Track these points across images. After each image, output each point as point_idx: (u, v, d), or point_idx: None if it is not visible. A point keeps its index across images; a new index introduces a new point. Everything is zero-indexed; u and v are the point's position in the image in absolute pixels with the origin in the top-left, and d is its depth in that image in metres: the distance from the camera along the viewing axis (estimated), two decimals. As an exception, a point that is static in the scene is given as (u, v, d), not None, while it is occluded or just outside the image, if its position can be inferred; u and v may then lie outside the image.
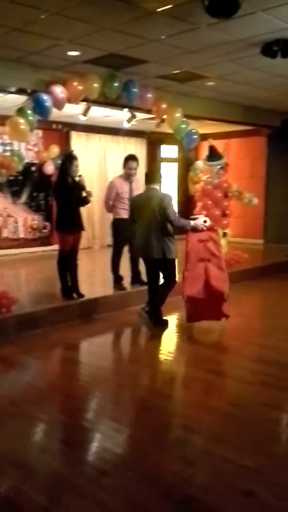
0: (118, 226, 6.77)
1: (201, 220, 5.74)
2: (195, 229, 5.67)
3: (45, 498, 2.69)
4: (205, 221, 5.74)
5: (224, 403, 3.87)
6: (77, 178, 6.10)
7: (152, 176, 5.79)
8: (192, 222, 5.69)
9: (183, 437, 3.35)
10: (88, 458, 3.14)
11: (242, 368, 4.71)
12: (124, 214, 6.66)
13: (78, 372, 4.77)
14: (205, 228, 5.70)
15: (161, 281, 5.77)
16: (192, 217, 6.06)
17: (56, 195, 6.18)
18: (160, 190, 5.72)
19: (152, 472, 2.92)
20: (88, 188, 6.26)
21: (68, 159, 6.11)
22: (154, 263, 5.59)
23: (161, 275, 5.72)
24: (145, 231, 5.47)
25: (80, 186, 6.11)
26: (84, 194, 6.15)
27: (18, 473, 2.94)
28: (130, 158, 6.80)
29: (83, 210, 6.41)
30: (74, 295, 6.20)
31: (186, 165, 12.39)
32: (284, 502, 2.64)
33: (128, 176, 6.76)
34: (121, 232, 6.70)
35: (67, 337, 5.54)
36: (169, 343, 5.65)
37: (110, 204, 6.78)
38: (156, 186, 5.69)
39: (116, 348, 5.83)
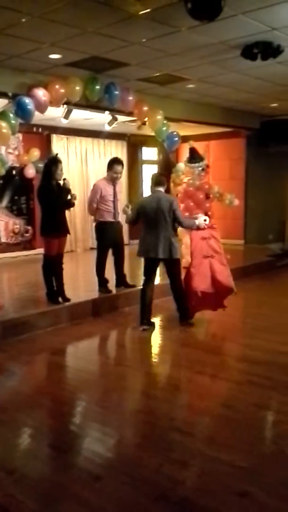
0: (102, 229, 6.75)
1: (202, 219, 6.05)
2: (198, 228, 5.96)
3: (39, 505, 2.67)
4: (205, 220, 6.07)
5: (215, 404, 3.89)
6: (61, 182, 6.07)
7: (158, 179, 6.00)
8: (197, 222, 5.97)
9: (175, 439, 3.35)
10: (80, 463, 3.12)
11: (230, 368, 4.75)
12: (108, 217, 6.66)
13: (66, 376, 4.74)
14: (206, 227, 6.02)
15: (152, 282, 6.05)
16: (193, 216, 6.38)
17: (40, 199, 6.10)
18: (164, 193, 5.99)
19: (146, 475, 2.92)
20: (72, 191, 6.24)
21: (53, 163, 6.07)
22: (158, 263, 5.90)
23: (157, 276, 6.08)
24: (154, 232, 5.71)
25: (65, 189, 6.08)
26: (69, 197, 6.12)
27: (10, 479, 2.91)
28: (116, 162, 6.79)
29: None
30: (60, 300, 6.15)
31: (166, 167, 12.44)
32: (280, 501, 2.66)
33: (113, 179, 6.74)
34: (105, 235, 6.69)
35: (54, 341, 5.50)
36: (156, 345, 5.66)
37: (94, 206, 6.75)
38: (162, 189, 5.92)
39: (104, 351, 5.81)
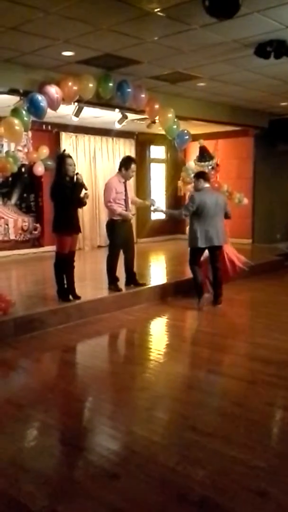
0: (114, 227, 6.74)
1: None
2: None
3: (56, 502, 2.66)
4: None
5: (228, 403, 3.87)
6: (75, 177, 6.04)
7: (206, 175, 6.88)
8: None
9: (191, 438, 3.34)
10: (95, 461, 3.10)
11: (242, 367, 4.74)
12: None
13: (78, 374, 4.74)
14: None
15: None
16: None
17: (53, 195, 6.08)
18: None
19: (163, 474, 2.91)
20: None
21: (61, 159, 6.06)
22: (216, 249, 6.78)
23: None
24: (212, 223, 6.59)
25: (79, 184, 6.05)
26: (83, 192, 6.11)
27: (27, 477, 2.90)
28: (133, 160, 6.93)
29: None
30: (70, 297, 6.15)
31: (176, 166, 12.43)
32: (299, 501, 2.65)
33: (128, 178, 6.80)
34: (118, 232, 6.70)
35: (65, 339, 5.50)
36: (166, 343, 5.65)
37: (113, 204, 6.69)
38: (209, 185, 6.85)
39: (115, 349, 5.81)
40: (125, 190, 6.75)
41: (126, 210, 6.75)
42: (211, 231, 6.55)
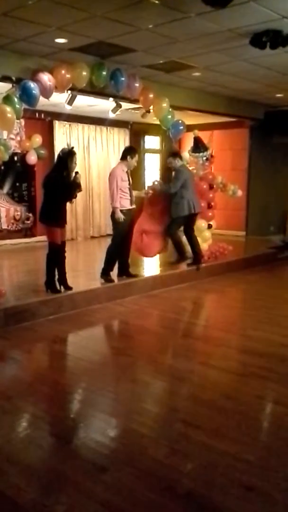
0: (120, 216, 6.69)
1: None
2: None
3: (43, 495, 2.63)
4: None
5: (219, 396, 3.86)
6: (73, 176, 6.05)
7: (180, 154, 8.03)
8: None
9: (180, 431, 3.32)
10: (85, 454, 3.08)
11: (232, 360, 4.73)
12: (126, 203, 6.70)
13: (70, 365, 4.72)
14: None
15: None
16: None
17: (48, 188, 6.03)
18: None
19: (152, 467, 2.90)
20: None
21: (69, 155, 6.02)
22: (195, 216, 7.79)
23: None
24: (192, 193, 7.62)
25: (76, 184, 6.04)
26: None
27: (14, 469, 2.87)
28: (135, 151, 7.01)
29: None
30: (61, 288, 6.11)
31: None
32: (287, 495, 2.64)
33: (131, 167, 6.84)
34: (123, 221, 6.67)
35: (56, 330, 5.47)
36: (158, 336, 5.63)
37: (116, 194, 6.66)
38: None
39: (106, 341, 5.78)
40: (129, 179, 6.76)
41: (131, 199, 6.78)
42: (194, 200, 7.59)
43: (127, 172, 6.77)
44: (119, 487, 2.70)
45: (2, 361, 4.77)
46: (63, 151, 6.20)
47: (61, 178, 5.96)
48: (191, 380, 4.25)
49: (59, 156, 6.26)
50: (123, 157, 6.83)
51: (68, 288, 6.16)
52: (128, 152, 6.87)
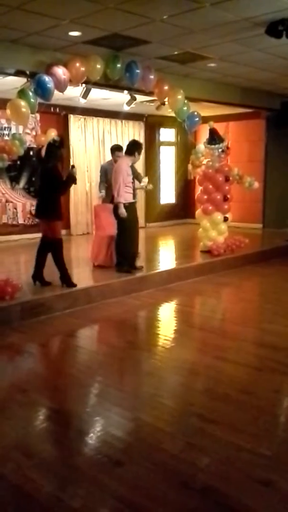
0: (126, 210, 6.71)
1: None
2: None
3: (59, 489, 2.64)
4: None
5: (235, 391, 3.83)
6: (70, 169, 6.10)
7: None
8: None
9: (196, 425, 3.31)
10: (100, 448, 3.09)
11: (249, 354, 4.69)
12: (130, 197, 6.75)
13: (85, 359, 4.71)
14: None
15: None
16: None
17: (51, 181, 5.95)
18: None
19: (167, 461, 2.89)
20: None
21: (61, 146, 6.04)
22: None
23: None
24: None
25: (72, 177, 6.02)
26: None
27: (30, 462, 2.89)
28: (141, 145, 7.09)
29: (75, 196, 6.44)
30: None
31: (185, 148, 12.28)
32: (304, 491, 2.61)
33: (136, 162, 6.95)
34: (129, 215, 6.73)
35: (72, 324, 5.48)
36: (173, 329, 5.61)
37: (121, 188, 6.70)
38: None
39: (121, 334, 5.75)
40: (133, 173, 6.87)
41: (134, 193, 6.87)
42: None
43: (131, 166, 6.85)
44: (134, 482, 2.70)
45: (18, 355, 4.79)
46: (55, 141, 6.19)
47: (59, 170, 5.98)
48: (207, 374, 4.22)
49: (52, 146, 6.08)
50: (131, 153, 6.85)
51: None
52: (136, 148, 6.89)
